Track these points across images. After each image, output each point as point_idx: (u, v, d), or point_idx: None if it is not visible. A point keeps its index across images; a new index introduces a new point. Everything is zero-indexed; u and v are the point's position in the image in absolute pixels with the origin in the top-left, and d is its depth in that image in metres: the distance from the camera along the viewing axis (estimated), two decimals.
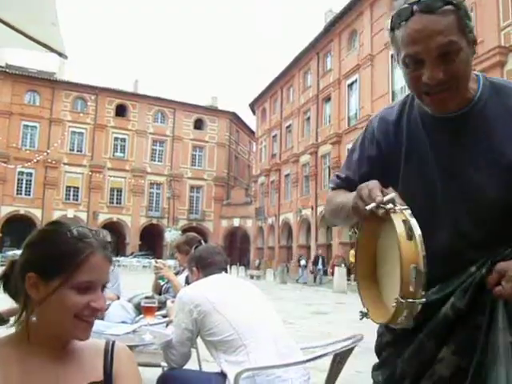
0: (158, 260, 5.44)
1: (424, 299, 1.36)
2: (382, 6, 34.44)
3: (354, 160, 1.82)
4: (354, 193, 1.56)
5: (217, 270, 3.25)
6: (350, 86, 39.32)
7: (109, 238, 4.86)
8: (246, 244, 59.18)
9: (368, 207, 1.44)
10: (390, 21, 1.52)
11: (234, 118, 67.16)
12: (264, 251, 52.73)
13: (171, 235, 45.66)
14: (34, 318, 1.31)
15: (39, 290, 1.29)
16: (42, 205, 53.57)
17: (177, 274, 5.14)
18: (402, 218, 1.40)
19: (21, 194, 53.65)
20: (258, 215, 54.29)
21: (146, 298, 4.14)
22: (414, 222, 1.38)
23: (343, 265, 29.13)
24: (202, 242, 4.81)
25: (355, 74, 38.39)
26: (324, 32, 42.25)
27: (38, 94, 55.45)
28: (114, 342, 1.46)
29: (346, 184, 1.82)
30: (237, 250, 61.09)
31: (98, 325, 3.31)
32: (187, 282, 4.22)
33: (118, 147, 59.08)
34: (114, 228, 53.13)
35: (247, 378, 2.73)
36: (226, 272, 3.35)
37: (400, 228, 1.38)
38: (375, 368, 1.83)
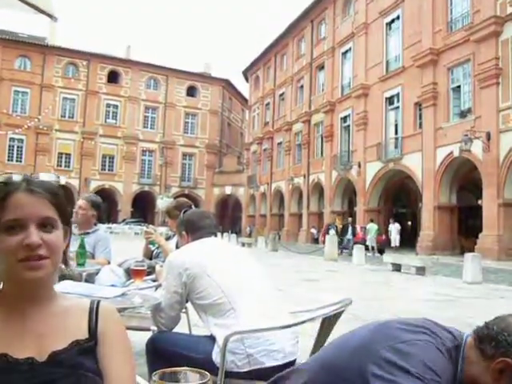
0: (150, 225, 5.43)
1: None
2: None
3: None
4: None
5: (206, 234, 3.24)
6: (344, 54, 39.08)
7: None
8: (238, 212, 59.33)
9: None
10: None
11: (227, 86, 66.71)
12: (256, 219, 52.92)
13: (163, 202, 45.57)
14: None
15: None
16: (34, 171, 53.26)
17: (167, 239, 5.14)
18: None
19: (12, 160, 53.41)
20: (250, 183, 54.33)
21: (137, 262, 4.15)
22: None
23: (333, 232, 29.13)
24: (193, 206, 4.81)
25: (349, 43, 38.12)
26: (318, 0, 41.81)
27: (29, 59, 54.83)
28: (98, 302, 1.46)
29: None
30: (228, 218, 61.26)
31: (87, 288, 3.32)
32: (177, 248, 4.22)
33: (110, 114, 58.74)
34: (105, 195, 53.03)
35: (236, 341, 2.74)
36: (216, 236, 3.34)
37: None
38: None
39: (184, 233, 3.32)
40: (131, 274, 3.30)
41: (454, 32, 27.56)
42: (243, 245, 35.81)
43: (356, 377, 1.63)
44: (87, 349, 1.35)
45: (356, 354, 1.69)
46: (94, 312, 1.42)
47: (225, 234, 41.85)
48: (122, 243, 16.82)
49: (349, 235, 29.48)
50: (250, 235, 46.01)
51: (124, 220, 54.97)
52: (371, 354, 1.62)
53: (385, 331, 1.70)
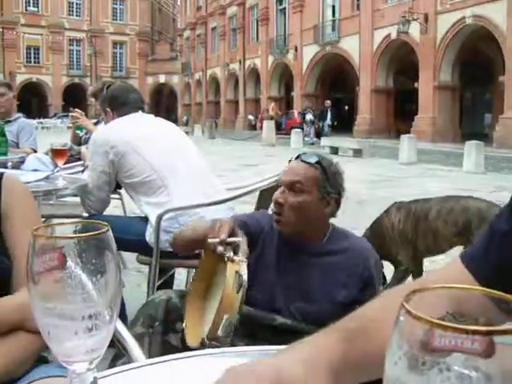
0: (76, 109, 5.08)
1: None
2: None
3: None
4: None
5: (132, 110, 2.97)
6: None
7: None
8: (173, 101, 58.36)
9: (210, 241, 1.57)
10: None
11: None
12: (192, 107, 52.24)
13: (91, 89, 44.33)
14: None
15: None
16: None
17: (96, 123, 4.85)
18: (236, 269, 1.51)
19: None
20: (185, 71, 53.14)
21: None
22: (245, 278, 1.50)
23: (270, 118, 28.95)
24: None
25: None
26: None
27: None
28: (2, 174, 1.27)
29: None
30: (164, 107, 60.22)
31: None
32: None
33: (31, 1, 55.19)
34: (34, 89, 51.11)
35: (170, 219, 2.61)
36: (144, 111, 3.09)
37: (231, 278, 1.48)
38: None
39: (108, 109, 3.05)
40: (51, 154, 3.06)
41: None
42: None
43: None
44: None
45: None
46: None
47: None
48: (53, 138, 16.31)
49: (328, 121, 28.33)
50: (186, 124, 45.51)
51: (55, 114, 53.14)
52: None
53: None
